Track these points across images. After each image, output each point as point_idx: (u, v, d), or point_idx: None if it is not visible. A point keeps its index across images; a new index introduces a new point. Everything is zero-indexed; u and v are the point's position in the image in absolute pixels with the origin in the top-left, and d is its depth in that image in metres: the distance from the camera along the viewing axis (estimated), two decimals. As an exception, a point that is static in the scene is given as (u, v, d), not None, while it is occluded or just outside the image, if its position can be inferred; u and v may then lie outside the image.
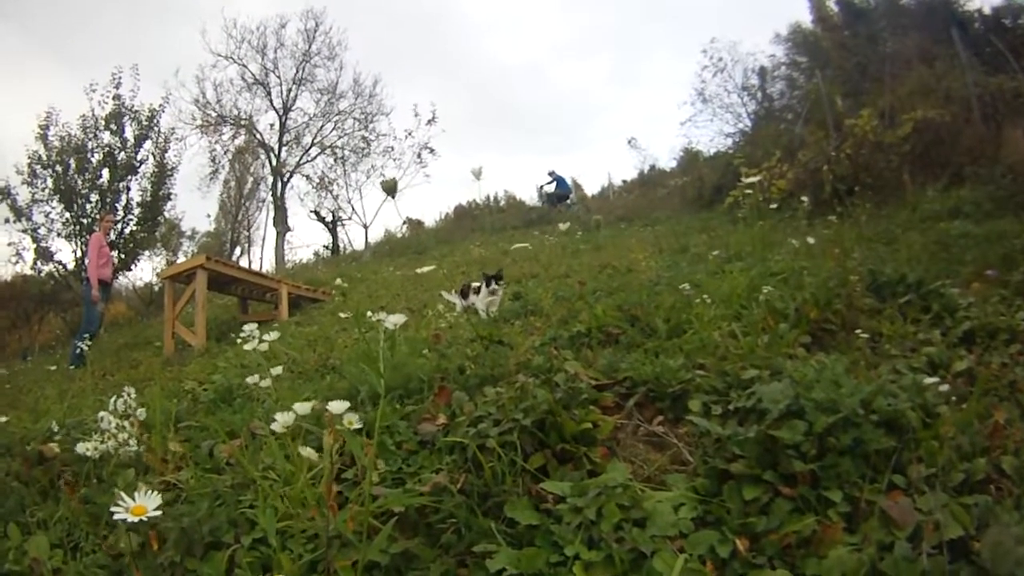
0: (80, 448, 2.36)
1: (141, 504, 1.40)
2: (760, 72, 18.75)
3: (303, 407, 1.54)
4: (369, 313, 2.20)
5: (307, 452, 1.52)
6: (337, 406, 1.51)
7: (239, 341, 2.49)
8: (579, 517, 1.68)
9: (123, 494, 1.40)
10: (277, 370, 2.11)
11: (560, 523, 1.70)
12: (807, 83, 14.92)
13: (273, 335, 2.18)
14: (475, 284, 4.77)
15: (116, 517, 1.39)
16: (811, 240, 3.91)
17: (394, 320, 1.71)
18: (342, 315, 4.20)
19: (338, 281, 10.66)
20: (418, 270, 3.40)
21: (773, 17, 36.08)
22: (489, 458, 1.94)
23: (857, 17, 16.27)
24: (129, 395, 2.59)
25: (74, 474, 2.50)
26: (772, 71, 18.56)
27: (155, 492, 1.44)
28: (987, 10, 13.89)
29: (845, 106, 10.51)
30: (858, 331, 2.73)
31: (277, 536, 1.64)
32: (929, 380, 2.05)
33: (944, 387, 2.03)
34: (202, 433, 2.77)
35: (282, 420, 1.51)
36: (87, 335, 8.49)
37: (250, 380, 2.20)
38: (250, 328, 2.42)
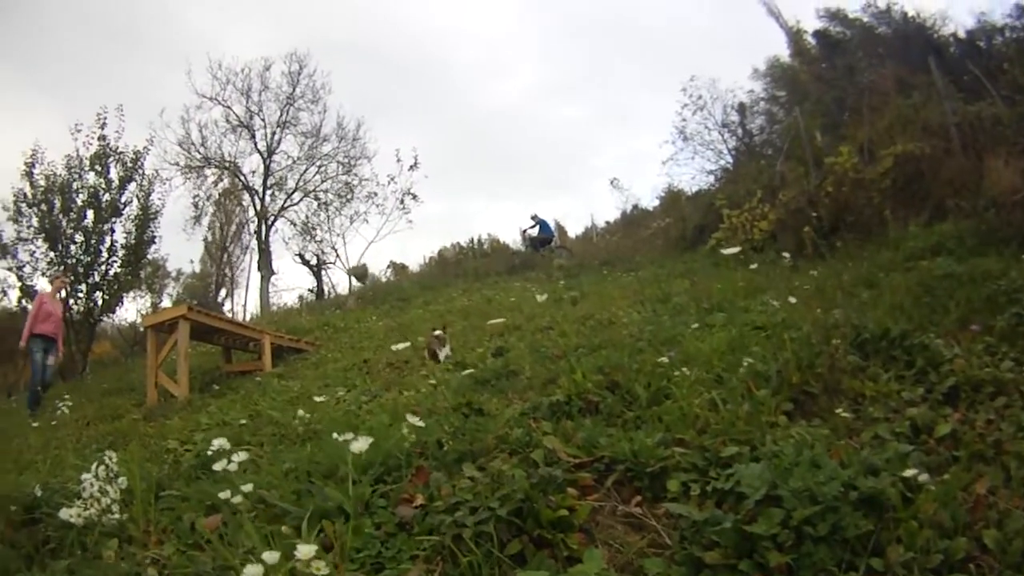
0: (63, 514, 2.38)
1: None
2: (739, 108, 18.86)
3: (271, 556, 1.49)
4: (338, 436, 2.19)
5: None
6: (305, 551, 1.48)
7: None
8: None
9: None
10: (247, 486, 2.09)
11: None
12: (786, 117, 15.07)
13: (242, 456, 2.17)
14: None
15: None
16: (792, 300, 3.88)
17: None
18: (317, 399, 4.17)
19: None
20: (393, 347, 3.40)
21: (751, 52, 36.54)
22: (465, 550, 1.90)
23: (834, 48, 16.52)
24: (110, 458, 2.59)
25: (58, 541, 2.51)
26: (751, 106, 18.69)
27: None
28: (962, 33, 14.15)
29: (824, 141, 10.57)
30: (840, 397, 2.71)
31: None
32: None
33: (922, 473, 1.96)
34: (184, 504, 2.75)
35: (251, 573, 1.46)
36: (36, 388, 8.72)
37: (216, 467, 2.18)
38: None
